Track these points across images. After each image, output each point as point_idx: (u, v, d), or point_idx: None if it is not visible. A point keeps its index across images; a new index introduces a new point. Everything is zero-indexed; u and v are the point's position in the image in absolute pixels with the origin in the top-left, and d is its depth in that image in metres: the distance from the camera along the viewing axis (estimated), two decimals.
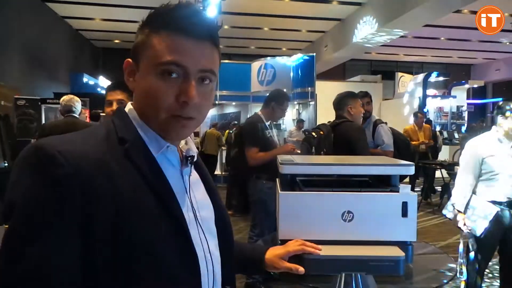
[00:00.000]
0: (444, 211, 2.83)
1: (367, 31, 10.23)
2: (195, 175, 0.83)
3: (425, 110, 10.30)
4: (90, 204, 0.61)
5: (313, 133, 2.83)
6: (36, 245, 0.58)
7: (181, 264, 0.68)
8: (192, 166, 0.81)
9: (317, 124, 8.81)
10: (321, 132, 2.83)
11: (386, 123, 3.53)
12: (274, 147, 3.20)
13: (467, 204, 2.60)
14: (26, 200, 0.60)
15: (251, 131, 3.18)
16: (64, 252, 0.60)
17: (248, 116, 9.14)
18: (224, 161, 8.62)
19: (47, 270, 0.59)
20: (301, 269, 1.00)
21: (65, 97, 3.60)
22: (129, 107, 0.77)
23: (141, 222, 0.65)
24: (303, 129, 7.78)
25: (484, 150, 2.58)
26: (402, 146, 3.43)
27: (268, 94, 3.42)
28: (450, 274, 1.49)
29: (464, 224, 2.56)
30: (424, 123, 7.39)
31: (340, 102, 2.99)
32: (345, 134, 2.79)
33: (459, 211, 2.61)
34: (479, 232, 2.50)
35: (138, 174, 0.67)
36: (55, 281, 0.59)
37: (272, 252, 1.04)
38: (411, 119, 7.87)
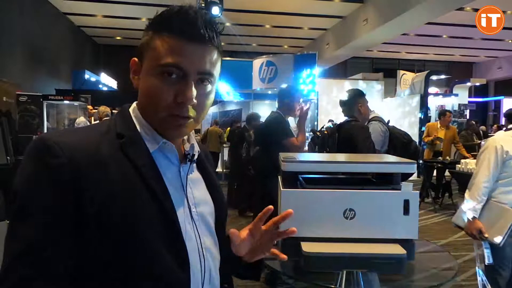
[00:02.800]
0: (454, 219, 2.43)
1: None
2: (196, 173, 0.84)
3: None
4: (82, 191, 0.66)
5: (318, 133, 2.84)
6: (30, 227, 0.64)
7: (170, 255, 0.70)
8: (194, 164, 0.82)
9: (318, 121, 8.86)
10: (326, 132, 2.83)
11: (382, 121, 3.42)
12: None
13: (482, 209, 2.24)
14: (24, 185, 0.66)
15: (281, 126, 3.19)
16: (56, 234, 0.65)
17: (250, 112, 9.13)
18: (225, 158, 8.62)
19: (40, 248, 0.64)
20: (283, 256, 0.91)
21: (101, 107, 4.26)
22: (133, 105, 0.80)
23: (131, 211, 0.68)
24: (310, 128, 7.76)
25: (509, 148, 2.24)
26: (399, 145, 3.36)
27: (278, 94, 3.44)
28: (451, 272, 1.49)
29: (481, 233, 2.19)
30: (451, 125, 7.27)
31: (350, 102, 2.94)
32: (349, 133, 2.77)
33: (474, 218, 2.23)
34: (497, 240, 2.12)
35: (131, 167, 0.70)
36: (46, 259, 0.64)
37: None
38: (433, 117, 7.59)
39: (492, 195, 2.26)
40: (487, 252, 2.22)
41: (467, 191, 2.31)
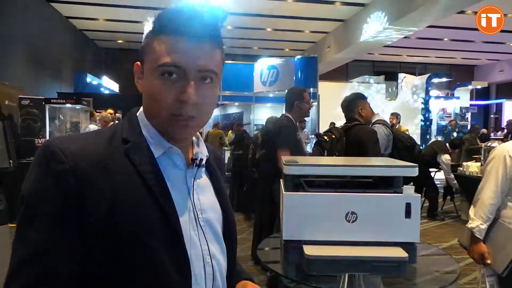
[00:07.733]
0: (460, 239, 2.16)
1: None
2: (205, 178, 0.83)
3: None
4: (84, 198, 0.66)
5: (325, 137, 2.80)
6: (35, 231, 0.65)
7: (171, 262, 0.69)
8: (202, 169, 0.82)
9: (319, 124, 8.86)
10: (333, 136, 2.80)
11: (386, 124, 3.42)
12: (302, 149, 3.21)
13: (488, 229, 1.94)
14: (30, 191, 0.67)
15: (286, 134, 3.15)
16: (59, 240, 0.65)
17: (251, 116, 9.13)
18: (227, 160, 8.62)
19: (44, 254, 0.65)
20: None
21: (102, 113, 4.52)
22: (141, 109, 0.80)
23: (133, 217, 0.67)
24: (315, 133, 7.77)
25: None
26: (402, 149, 3.36)
27: (285, 97, 3.39)
28: (453, 275, 1.49)
29: (484, 257, 1.92)
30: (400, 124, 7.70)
31: (350, 105, 2.94)
32: (358, 137, 2.76)
33: (478, 239, 1.94)
34: (500, 268, 1.86)
35: (135, 173, 0.70)
36: (50, 265, 0.64)
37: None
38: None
39: (500, 214, 1.94)
40: (489, 280, 1.96)
41: (471, 207, 2.01)
